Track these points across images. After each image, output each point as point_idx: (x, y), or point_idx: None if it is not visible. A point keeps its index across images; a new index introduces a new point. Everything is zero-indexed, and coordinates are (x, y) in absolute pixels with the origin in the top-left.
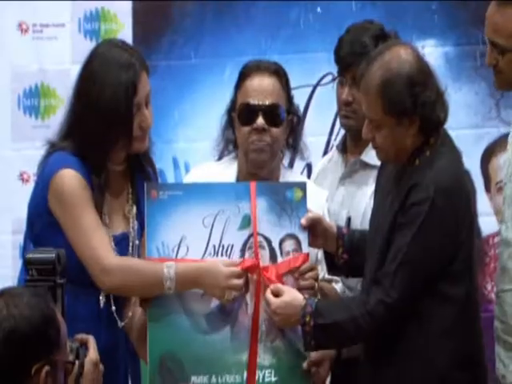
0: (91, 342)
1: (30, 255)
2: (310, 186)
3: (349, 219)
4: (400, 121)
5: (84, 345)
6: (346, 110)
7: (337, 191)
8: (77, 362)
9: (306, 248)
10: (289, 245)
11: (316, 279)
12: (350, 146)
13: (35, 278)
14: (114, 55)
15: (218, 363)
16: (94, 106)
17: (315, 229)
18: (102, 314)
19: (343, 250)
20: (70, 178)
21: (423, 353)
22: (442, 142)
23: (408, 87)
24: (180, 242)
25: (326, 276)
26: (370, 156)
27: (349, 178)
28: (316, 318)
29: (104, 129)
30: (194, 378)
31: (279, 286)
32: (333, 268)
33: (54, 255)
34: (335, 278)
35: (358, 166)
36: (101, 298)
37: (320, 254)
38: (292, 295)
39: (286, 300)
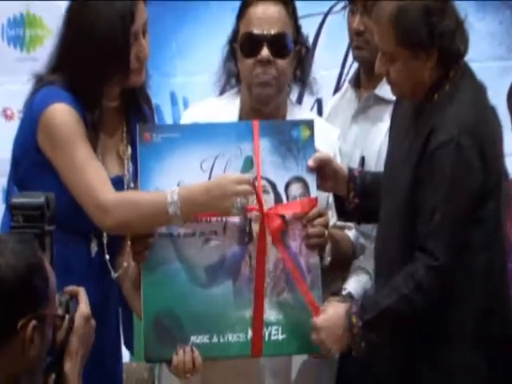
0: (82, 294)
1: (15, 200)
2: (320, 124)
3: (362, 159)
4: (415, 53)
5: (74, 298)
6: (358, 41)
7: (349, 130)
8: (67, 317)
9: (314, 192)
10: (295, 188)
11: (326, 226)
12: (364, 79)
13: (21, 224)
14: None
15: (220, 320)
16: (88, 35)
17: (324, 170)
18: (93, 264)
19: (354, 193)
20: (62, 112)
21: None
22: (463, 76)
23: (424, 16)
24: (177, 186)
25: (338, 222)
26: (385, 90)
27: (362, 114)
28: (362, 314)
29: (99, 60)
30: (193, 338)
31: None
32: (343, 213)
33: (42, 199)
34: (348, 224)
35: (371, 101)
36: (92, 245)
37: (330, 198)
38: (334, 305)
39: (328, 312)
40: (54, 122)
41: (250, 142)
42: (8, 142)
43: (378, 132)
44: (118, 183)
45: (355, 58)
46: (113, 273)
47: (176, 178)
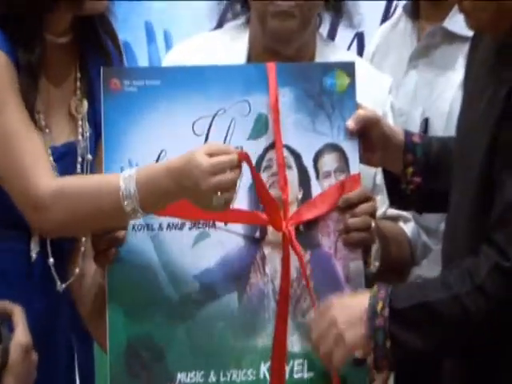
0: (18, 315)
1: None
2: (362, 69)
3: (426, 121)
4: None
5: (8, 320)
6: None
7: (406, 78)
8: None
9: (355, 166)
10: (329, 161)
11: (373, 215)
12: (425, 6)
13: None
14: None
15: (220, 352)
16: None
17: (370, 136)
18: (34, 271)
19: (414, 169)
20: None
21: None
22: None
23: None
24: (157, 159)
25: (389, 211)
26: (458, 22)
27: (424, 56)
28: (392, 301)
29: None
30: (181, 377)
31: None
32: (398, 198)
33: None
34: (404, 214)
35: (438, 37)
36: (32, 244)
37: (378, 176)
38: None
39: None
40: None
41: (264, 94)
42: None
43: (447, 82)
44: (68, 154)
45: None
46: (59, 283)
47: (157, 145)
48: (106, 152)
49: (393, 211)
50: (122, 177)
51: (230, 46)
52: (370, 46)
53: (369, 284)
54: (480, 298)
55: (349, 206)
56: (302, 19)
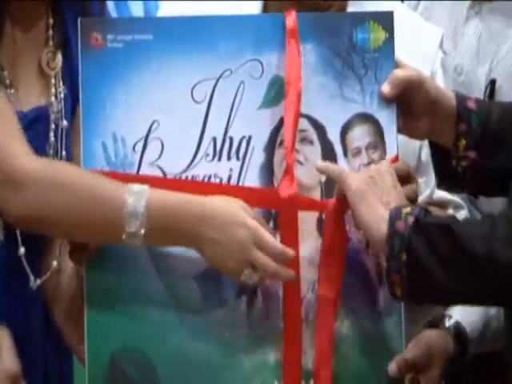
0: (4, 338)
1: None
2: (405, 17)
3: (492, 84)
4: None
5: None
6: None
7: (466, 27)
8: None
9: (393, 141)
10: (360, 135)
11: (413, 201)
12: None
13: None
14: None
15: (225, 369)
16: None
17: (413, 102)
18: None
19: (468, 142)
20: None
21: None
22: None
23: None
24: (148, 132)
25: (438, 195)
26: None
27: (483, 9)
28: (420, 213)
29: None
30: None
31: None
32: (448, 178)
33: None
34: (455, 199)
35: None
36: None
37: (424, 151)
38: None
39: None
40: None
41: (281, 51)
42: None
43: None
44: (39, 120)
45: None
46: (32, 278)
47: (148, 115)
48: (84, 123)
49: (441, 195)
50: (130, 190)
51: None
52: None
53: None
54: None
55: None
56: None
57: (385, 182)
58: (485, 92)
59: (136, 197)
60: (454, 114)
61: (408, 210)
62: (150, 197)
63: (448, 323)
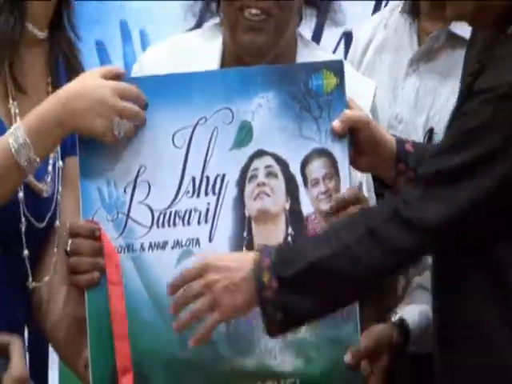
0: (16, 346)
1: None
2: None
3: (430, 132)
4: None
5: (4, 351)
6: None
7: (405, 82)
8: None
9: (345, 171)
10: (317, 167)
11: None
12: (426, 7)
13: None
14: None
15: (209, 375)
16: None
17: (359, 139)
18: None
19: (407, 179)
20: None
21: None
22: None
23: None
24: (136, 176)
25: None
26: (465, 24)
27: (427, 61)
28: (279, 270)
29: None
30: None
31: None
32: None
33: None
34: None
35: (442, 40)
36: None
37: (364, 187)
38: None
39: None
40: None
41: (247, 100)
42: None
43: (453, 90)
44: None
45: None
46: (30, 279)
47: (136, 161)
48: (82, 169)
49: None
50: (9, 132)
51: (205, 48)
52: (357, 44)
53: None
54: (373, 243)
55: (340, 205)
56: (277, 32)
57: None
58: (424, 138)
59: (14, 135)
60: (394, 154)
61: (266, 277)
62: (23, 128)
63: (394, 318)
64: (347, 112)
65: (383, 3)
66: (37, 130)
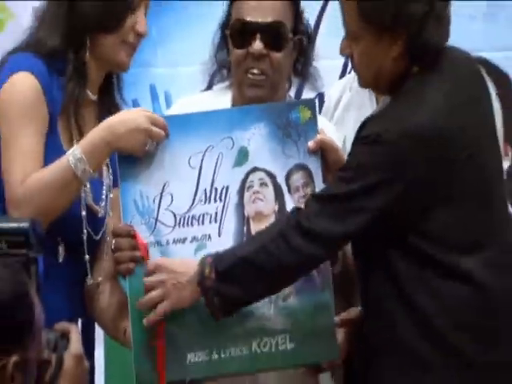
0: (74, 332)
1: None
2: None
3: None
4: (379, 35)
5: (65, 335)
6: None
7: None
8: (54, 357)
9: (319, 180)
10: (298, 178)
11: None
12: None
13: (5, 251)
14: None
15: (219, 334)
16: None
17: (328, 159)
18: (62, 271)
19: (310, 196)
20: (23, 82)
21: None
22: (436, 71)
23: None
24: (163, 189)
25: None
26: None
27: None
28: (217, 264)
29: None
30: (190, 357)
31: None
32: None
33: (27, 224)
34: None
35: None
36: (60, 250)
37: None
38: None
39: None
40: (10, 94)
41: (244, 130)
42: None
43: None
44: (97, 189)
45: None
46: (90, 276)
47: (162, 178)
48: (122, 188)
49: None
50: (68, 152)
51: (217, 102)
52: (330, 102)
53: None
54: (282, 243)
55: None
56: (272, 88)
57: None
58: None
59: (72, 153)
60: None
61: (207, 270)
62: (81, 144)
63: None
64: (319, 136)
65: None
66: (90, 149)
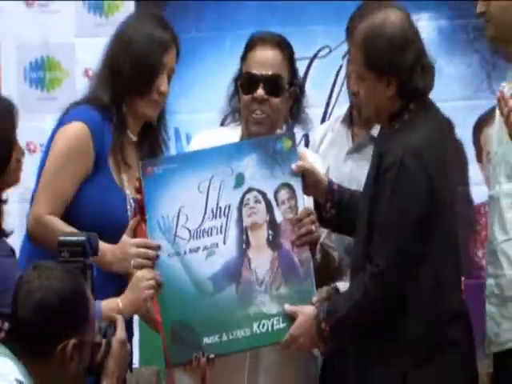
0: (119, 321)
1: (62, 238)
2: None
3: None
4: (379, 77)
5: (112, 324)
6: (357, 99)
7: (344, 165)
8: (104, 341)
9: (300, 194)
10: (283, 194)
11: (313, 222)
12: (357, 119)
13: (67, 259)
14: (148, 24)
15: (227, 320)
16: (127, 48)
17: (307, 179)
18: (110, 274)
19: (331, 204)
20: (73, 129)
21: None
22: (423, 109)
23: (387, 47)
24: (179, 211)
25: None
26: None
27: (357, 152)
28: (329, 320)
29: (130, 71)
30: (206, 339)
31: (290, 309)
32: (321, 220)
33: (84, 238)
34: (333, 246)
35: (367, 140)
36: None
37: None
38: (303, 313)
39: (299, 321)
40: (61, 135)
41: (240, 161)
42: (30, 173)
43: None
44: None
45: (352, 102)
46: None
47: (178, 202)
48: (148, 212)
49: (326, 242)
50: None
51: (230, 135)
52: (315, 141)
53: (316, 270)
54: (368, 298)
55: (299, 220)
56: (270, 125)
57: None
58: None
59: None
60: (326, 188)
61: (323, 325)
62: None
63: (333, 285)
64: (300, 163)
65: (329, 110)
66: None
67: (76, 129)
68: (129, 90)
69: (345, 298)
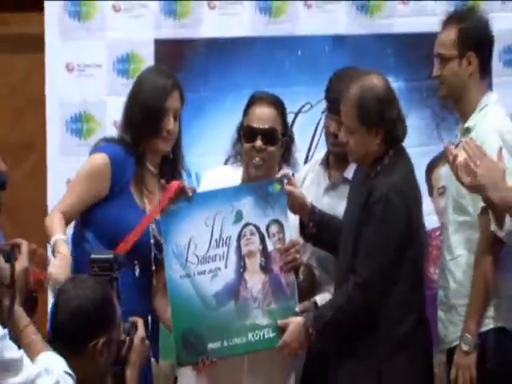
0: (140, 322)
1: (93, 256)
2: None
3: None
4: (369, 130)
5: (134, 325)
6: (334, 141)
7: (322, 200)
8: (127, 339)
9: (287, 228)
10: (274, 228)
11: (298, 252)
12: (333, 163)
13: (97, 272)
14: (152, 75)
15: (228, 329)
16: (137, 99)
17: (294, 201)
18: (137, 282)
19: (313, 224)
20: (97, 158)
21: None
22: (400, 155)
23: (377, 104)
24: (189, 241)
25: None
26: (351, 173)
27: (332, 190)
28: (316, 324)
29: (141, 117)
30: (210, 345)
31: (283, 321)
32: (304, 236)
33: (111, 256)
34: (314, 265)
35: (340, 180)
36: (136, 268)
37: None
38: (293, 322)
39: (289, 329)
40: (87, 161)
41: (239, 201)
42: None
43: (344, 205)
44: (159, 224)
45: (331, 151)
46: (154, 282)
47: (188, 233)
48: (165, 241)
49: (309, 263)
50: (53, 238)
51: (233, 175)
52: (299, 177)
53: (300, 289)
54: (351, 304)
55: (285, 250)
56: (267, 169)
57: None
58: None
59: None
60: (309, 210)
61: (311, 330)
62: (55, 241)
63: (311, 300)
64: (289, 188)
65: (310, 154)
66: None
67: (98, 158)
68: (142, 132)
69: (330, 304)
